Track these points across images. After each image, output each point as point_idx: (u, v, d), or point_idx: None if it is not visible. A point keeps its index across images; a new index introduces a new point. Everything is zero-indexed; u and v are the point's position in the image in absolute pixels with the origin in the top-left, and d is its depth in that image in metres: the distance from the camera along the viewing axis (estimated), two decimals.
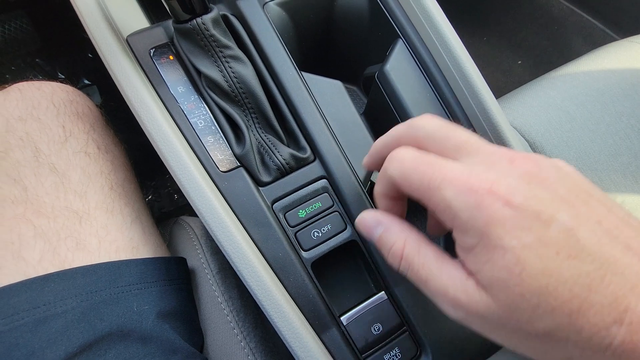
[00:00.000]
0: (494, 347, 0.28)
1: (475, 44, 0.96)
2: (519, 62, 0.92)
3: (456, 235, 0.18)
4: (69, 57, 0.83)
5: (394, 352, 0.26)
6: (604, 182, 0.46)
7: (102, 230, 0.28)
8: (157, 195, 0.73)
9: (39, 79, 0.90)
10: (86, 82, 0.85)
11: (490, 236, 0.16)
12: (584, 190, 0.17)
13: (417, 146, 0.20)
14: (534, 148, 0.47)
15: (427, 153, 0.19)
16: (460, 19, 0.88)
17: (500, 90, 0.58)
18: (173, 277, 0.29)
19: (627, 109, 0.49)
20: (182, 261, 0.32)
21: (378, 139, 0.23)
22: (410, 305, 0.26)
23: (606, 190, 0.45)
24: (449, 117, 0.32)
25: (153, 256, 0.29)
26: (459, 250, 0.18)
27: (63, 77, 0.85)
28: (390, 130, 0.22)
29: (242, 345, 0.29)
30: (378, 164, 0.23)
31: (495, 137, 0.30)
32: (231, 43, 0.28)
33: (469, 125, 0.31)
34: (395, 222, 0.21)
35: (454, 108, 0.31)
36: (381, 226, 0.21)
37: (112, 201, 0.30)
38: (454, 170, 0.18)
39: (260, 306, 0.23)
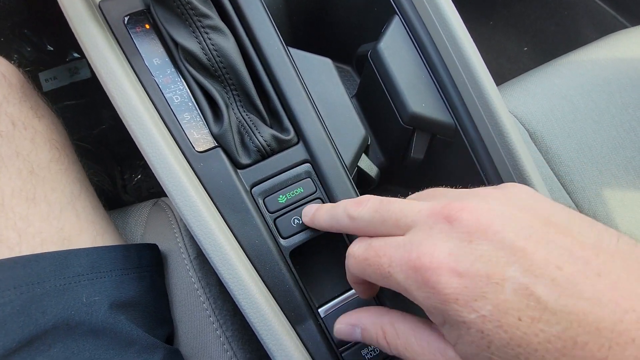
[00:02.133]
0: None
1: (480, 28, 0.92)
2: (525, 48, 0.89)
3: (427, 315, 0.17)
4: (57, 28, 0.80)
5: (372, 346, 0.24)
6: (605, 176, 0.44)
7: (21, 222, 0.25)
8: (146, 175, 0.71)
9: (26, 50, 0.86)
10: (75, 55, 0.82)
11: (450, 313, 0.15)
12: (537, 223, 0.15)
13: (367, 235, 0.20)
14: (534, 138, 0.45)
15: (376, 238, 0.19)
16: (466, 1, 0.85)
17: (504, 77, 0.56)
18: (132, 265, 0.27)
19: (634, 100, 0.47)
20: (147, 248, 0.30)
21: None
22: (390, 298, 0.25)
23: (606, 185, 0.44)
24: (444, 102, 0.30)
25: (91, 246, 0.27)
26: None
27: (51, 49, 0.82)
28: (337, 224, 0.22)
29: (218, 333, 0.28)
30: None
31: (492, 125, 0.28)
32: (211, 12, 0.26)
33: (466, 112, 0.29)
34: (365, 316, 0.21)
35: (450, 92, 0.29)
36: (357, 328, 0.21)
37: (33, 187, 0.26)
38: (398, 248, 0.17)
39: (231, 295, 0.22)
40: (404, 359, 0.18)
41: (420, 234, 0.17)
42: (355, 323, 0.21)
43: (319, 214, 0.23)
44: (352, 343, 0.24)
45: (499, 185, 0.19)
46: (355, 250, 0.19)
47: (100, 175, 0.68)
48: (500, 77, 0.65)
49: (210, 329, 0.28)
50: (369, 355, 0.24)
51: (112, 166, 0.72)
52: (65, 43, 0.80)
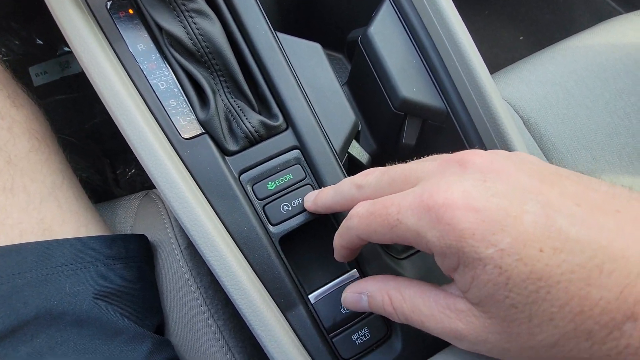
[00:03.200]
0: None
1: (475, 18, 0.92)
2: (521, 37, 0.89)
3: (437, 261, 0.16)
4: (46, 21, 0.78)
5: (363, 332, 0.24)
6: (598, 162, 0.44)
7: None
8: (140, 168, 0.70)
9: (14, 44, 0.84)
10: (66, 49, 0.81)
11: (465, 251, 0.14)
12: (550, 173, 0.16)
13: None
14: (527, 125, 0.44)
15: (383, 197, 0.18)
16: None
17: (499, 66, 0.55)
18: (119, 255, 0.27)
19: (629, 86, 0.46)
20: (135, 238, 0.29)
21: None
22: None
23: (600, 171, 0.44)
24: (435, 87, 0.29)
25: (74, 236, 0.26)
26: (446, 273, 0.17)
27: (41, 42, 0.81)
28: (343, 199, 0.21)
29: (209, 323, 0.28)
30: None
31: (484, 110, 0.28)
32: None
33: (458, 97, 0.29)
34: (372, 283, 0.20)
35: (441, 76, 0.29)
36: (364, 295, 0.20)
37: (10, 177, 0.26)
38: (407, 196, 0.16)
39: (220, 282, 0.22)
40: (412, 324, 0.18)
41: (432, 180, 0.16)
42: (361, 291, 0.21)
43: (322, 194, 0.23)
44: (343, 329, 0.24)
45: (511, 152, 0.19)
46: (360, 210, 0.18)
47: (88, 171, 0.67)
48: (496, 67, 0.64)
49: (201, 319, 0.28)
50: (359, 340, 0.24)
51: (101, 161, 0.71)
52: (55, 36, 0.79)
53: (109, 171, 0.70)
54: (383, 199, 0.17)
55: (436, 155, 0.20)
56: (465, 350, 0.17)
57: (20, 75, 0.73)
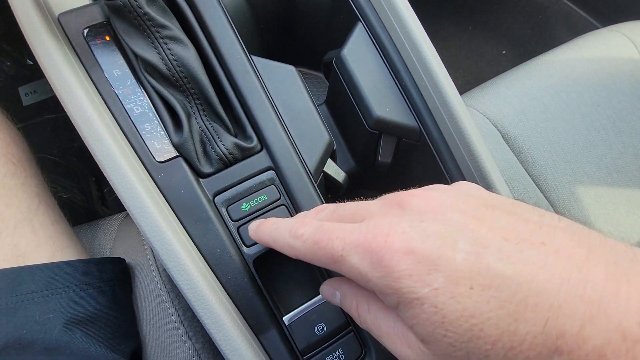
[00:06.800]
0: None
1: (460, 34, 0.94)
2: (504, 51, 0.91)
3: (381, 298, 0.17)
4: None
5: (337, 353, 0.24)
6: (577, 174, 0.45)
7: None
8: None
9: (6, 65, 0.84)
10: None
11: (403, 291, 0.15)
12: (483, 206, 0.16)
13: None
14: (506, 139, 0.45)
15: (328, 222, 0.18)
16: (446, 7, 0.86)
17: (483, 80, 0.57)
18: (92, 280, 0.27)
19: (603, 99, 0.48)
20: (109, 262, 0.29)
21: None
22: None
23: (579, 183, 0.44)
24: (408, 106, 0.30)
25: (50, 262, 0.26)
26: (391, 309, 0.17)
27: (31, 63, 0.82)
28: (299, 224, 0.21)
29: (187, 346, 0.28)
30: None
31: (453, 126, 0.28)
32: (170, 23, 0.26)
33: (430, 115, 0.29)
34: (347, 286, 0.21)
35: (413, 96, 0.30)
36: (338, 292, 0.21)
37: None
38: (353, 232, 0.17)
39: (191, 306, 0.22)
40: (371, 333, 0.19)
41: (375, 219, 0.17)
42: (336, 288, 0.21)
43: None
44: (317, 350, 0.24)
45: (451, 184, 0.20)
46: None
47: (71, 191, 0.67)
48: (481, 80, 0.66)
49: (179, 342, 0.28)
50: None
51: (86, 180, 0.71)
52: None
53: (94, 189, 0.70)
54: (329, 227, 0.18)
55: (381, 197, 0.21)
56: None
57: (10, 96, 0.73)
